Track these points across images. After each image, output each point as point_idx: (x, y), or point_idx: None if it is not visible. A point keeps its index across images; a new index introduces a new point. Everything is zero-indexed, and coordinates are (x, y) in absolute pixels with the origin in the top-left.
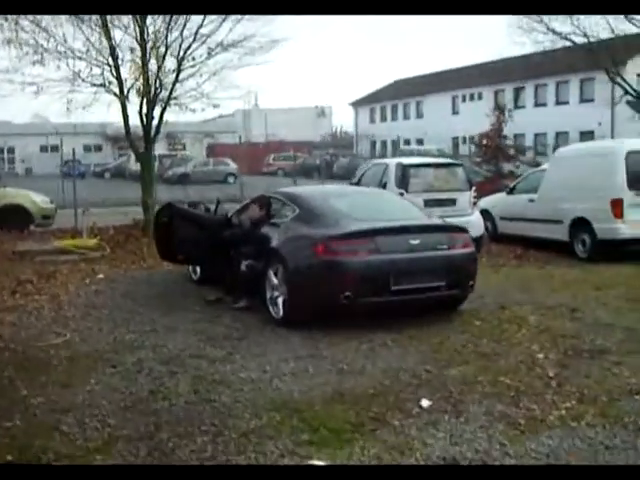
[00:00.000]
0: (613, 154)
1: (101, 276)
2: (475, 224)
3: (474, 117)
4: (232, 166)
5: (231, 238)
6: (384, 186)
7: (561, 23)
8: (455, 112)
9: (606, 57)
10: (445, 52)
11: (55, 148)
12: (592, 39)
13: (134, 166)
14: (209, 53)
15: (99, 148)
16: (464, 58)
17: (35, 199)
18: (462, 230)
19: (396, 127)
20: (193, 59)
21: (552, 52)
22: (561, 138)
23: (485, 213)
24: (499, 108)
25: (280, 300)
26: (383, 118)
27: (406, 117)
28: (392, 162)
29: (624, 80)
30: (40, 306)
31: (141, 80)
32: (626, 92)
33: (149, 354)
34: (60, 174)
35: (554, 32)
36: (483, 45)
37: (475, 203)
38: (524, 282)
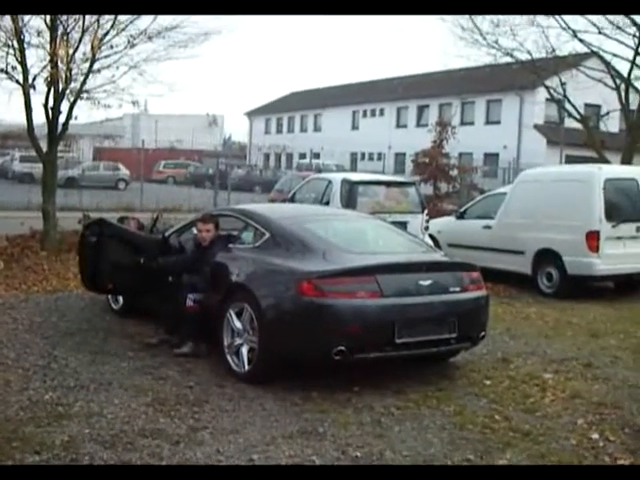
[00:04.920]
0: (589, 181)
1: None
2: None
3: (374, 133)
4: (123, 171)
5: (174, 265)
6: (326, 204)
7: (506, 39)
8: (355, 127)
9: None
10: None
11: None
12: (536, 56)
13: (18, 166)
14: (129, 41)
15: None
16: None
17: None
18: (473, 268)
19: (292, 139)
20: (111, 47)
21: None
22: (465, 159)
23: (430, 239)
24: (442, 123)
25: (244, 350)
26: (279, 130)
27: (303, 130)
28: (336, 178)
29: (566, 99)
30: None
31: (49, 68)
32: (569, 114)
33: (83, 428)
34: None
35: (494, 47)
36: (398, 59)
37: (427, 228)
38: (503, 323)
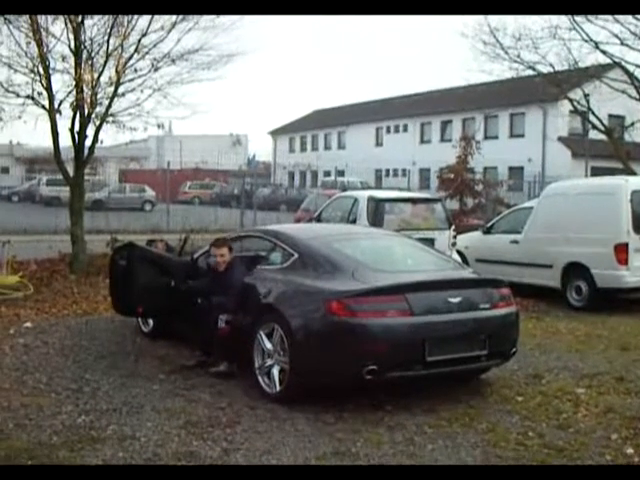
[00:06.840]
0: (616, 193)
1: (28, 325)
2: None
3: (398, 149)
4: (150, 193)
5: (204, 287)
6: (353, 222)
7: (528, 52)
8: (379, 144)
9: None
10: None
11: None
12: (558, 68)
13: (45, 190)
14: (153, 65)
15: (6, 170)
16: (394, 89)
17: None
18: (502, 284)
19: (317, 157)
20: (135, 71)
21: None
22: (489, 173)
23: (457, 254)
24: (466, 138)
25: (276, 371)
26: (303, 148)
27: (327, 147)
28: (362, 195)
29: (590, 111)
30: None
31: (74, 93)
32: (593, 126)
33: (117, 452)
34: None
35: (516, 61)
36: (415, 75)
37: (454, 244)
38: (533, 338)
